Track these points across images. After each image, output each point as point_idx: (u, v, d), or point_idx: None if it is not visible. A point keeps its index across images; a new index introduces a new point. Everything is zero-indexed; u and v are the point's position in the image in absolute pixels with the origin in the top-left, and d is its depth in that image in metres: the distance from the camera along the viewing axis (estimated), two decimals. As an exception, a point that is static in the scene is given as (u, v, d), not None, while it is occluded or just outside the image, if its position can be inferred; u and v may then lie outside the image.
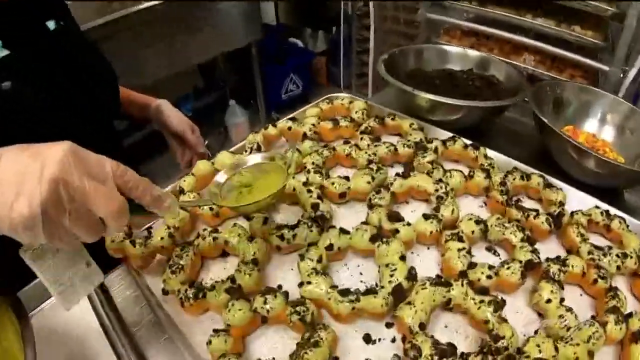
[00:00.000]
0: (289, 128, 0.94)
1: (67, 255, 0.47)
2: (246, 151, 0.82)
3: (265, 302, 0.57)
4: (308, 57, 2.97)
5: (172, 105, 0.89)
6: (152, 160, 2.14)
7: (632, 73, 1.19)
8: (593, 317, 0.64)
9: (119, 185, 0.43)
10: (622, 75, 1.23)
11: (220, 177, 0.63)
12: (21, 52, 0.61)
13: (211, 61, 2.13)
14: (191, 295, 0.59)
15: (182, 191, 0.76)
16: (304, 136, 0.93)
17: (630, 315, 0.63)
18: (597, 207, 0.81)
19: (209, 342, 0.54)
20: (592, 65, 1.30)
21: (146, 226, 0.74)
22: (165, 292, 0.62)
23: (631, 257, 0.71)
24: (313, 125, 0.95)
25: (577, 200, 0.83)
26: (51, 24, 0.68)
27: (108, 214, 0.41)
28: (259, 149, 0.85)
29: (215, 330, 0.55)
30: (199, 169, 0.80)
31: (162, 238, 0.66)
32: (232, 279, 0.61)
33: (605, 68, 1.26)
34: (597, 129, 1.09)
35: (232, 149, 0.89)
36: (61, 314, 0.58)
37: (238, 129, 2.54)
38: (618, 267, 0.70)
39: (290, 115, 1.01)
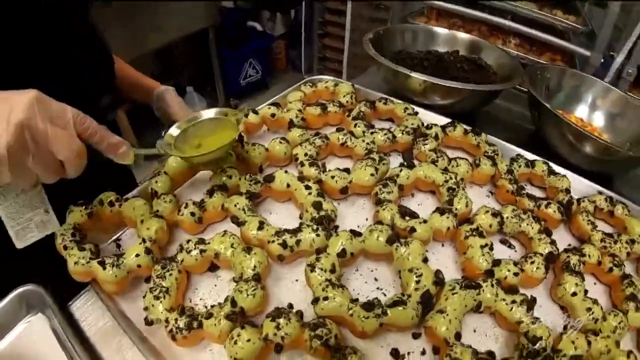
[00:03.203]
0: (272, 115, 0.84)
1: (29, 199, 0.52)
2: (230, 154, 0.71)
3: (278, 328, 0.48)
4: (267, 41, 2.83)
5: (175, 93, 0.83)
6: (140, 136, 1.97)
7: (619, 59, 1.19)
8: (615, 306, 0.63)
9: (79, 131, 0.47)
10: (602, 60, 1.24)
11: (174, 131, 0.63)
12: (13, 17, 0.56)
13: (167, 47, 1.97)
14: (183, 326, 0.49)
15: (155, 194, 0.64)
16: (291, 123, 0.83)
17: None
18: (600, 192, 0.80)
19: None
20: (574, 50, 1.31)
21: (113, 238, 0.62)
22: (149, 322, 0.52)
23: (638, 243, 0.71)
24: (299, 111, 0.86)
25: (577, 186, 0.82)
26: None
27: (67, 157, 0.46)
28: (240, 141, 0.74)
29: (221, 368, 0.45)
30: (172, 166, 0.68)
31: (137, 255, 0.54)
32: (232, 301, 0.50)
33: (587, 53, 1.26)
34: (587, 115, 1.08)
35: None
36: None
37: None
38: (628, 254, 0.70)
39: (271, 100, 0.90)
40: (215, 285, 0.59)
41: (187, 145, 0.64)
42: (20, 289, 0.56)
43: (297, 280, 0.60)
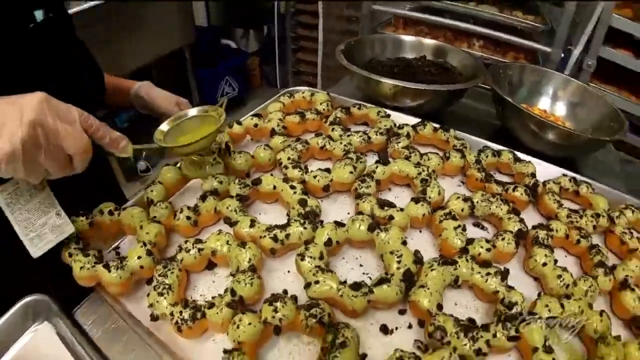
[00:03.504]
0: (255, 125, 0.90)
1: (40, 203, 0.54)
2: (213, 152, 0.76)
3: (275, 311, 0.53)
4: (242, 58, 2.90)
5: (153, 85, 0.86)
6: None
7: (576, 52, 1.30)
8: (585, 273, 0.70)
9: (84, 128, 0.52)
10: (562, 55, 1.35)
11: (164, 127, 0.70)
12: (2, 42, 0.60)
13: (146, 67, 2.00)
14: (188, 317, 0.53)
15: (151, 202, 0.68)
16: (273, 132, 0.89)
17: (614, 267, 0.68)
18: (564, 175, 0.87)
19: (222, 365, 0.48)
20: (535, 47, 1.41)
21: (112, 247, 0.66)
22: (154, 317, 0.56)
23: (603, 217, 0.79)
24: (280, 120, 0.92)
25: (543, 171, 0.90)
26: (39, 14, 0.65)
27: (76, 151, 0.50)
28: (227, 149, 0.80)
29: (227, 351, 0.49)
30: (165, 176, 0.73)
31: (139, 257, 0.58)
32: (231, 291, 0.55)
33: (548, 49, 1.36)
34: (550, 106, 1.18)
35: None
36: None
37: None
38: (594, 227, 0.76)
39: (253, 112, 0.96)
40: (214, 282, 0.64)
41: (176, 140, 0.69)
42: (25, 299, 0.59)
43: (289, 272, 0.66)
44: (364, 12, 1.63)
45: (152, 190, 0.70)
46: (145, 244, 0.60)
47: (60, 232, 0.57)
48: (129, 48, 1.73)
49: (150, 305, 0.56)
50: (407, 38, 1.30)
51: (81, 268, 0.57)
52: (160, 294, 0.56)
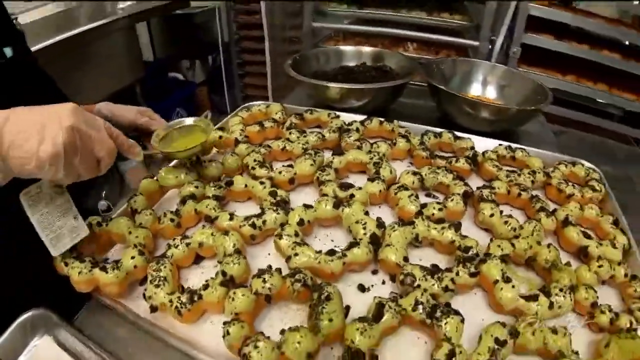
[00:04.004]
0: (220, 137, 0.98)
1: (59, 206, 0.61)
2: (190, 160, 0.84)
3: (264, 282, 0.60)
4: (190, 89, 2.96)
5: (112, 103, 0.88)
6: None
7: (499, 41, 1.49)
8: (530, 218, 0.82)
9: (107, 134, 0.59)
10: (490, 47, 1.53)
11: (160, 133, 0.79)
12: None
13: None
14: (186, 301, 0.59)
15: (135, 211, 0.74)
16: (237, 141, 0.97)
17: (555, 210, 0.83)
18: (500, 144, 1.01)
19: (226, 334, 0.55)
20: (463, 43, 1.59)
21: (103, 258, 0.71)
22: (154, 308, 0.61)
23: (539, 173, 0.93)
24: (242, 130, 1.00)
25: (482, 146, 1.04)
26: (8, 51, 0.70)
27: (105, 155, 0.58)
28: (197, 159, 0.87)
29: (227, 322, 0.56)
30: (145, 187, 0.79)
31: (133, 257, 0.64)
32: (222, 272, 0.62)
33: (476, 44, 1.55)
34: (481, 91, 1.35)
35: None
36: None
37: (133, 172, 2.38)
38: (532, 182, 0.91)
39: (217, 126, 1.04)
40: (202, 273, 0.71)
41: (169, 146, 0.80)
42: (23, 316, 0.62)
43: (269, 254, 0.74)
44: (304, 30, 1.76)
45: (134, 201, 0.76)
46: (136, 246, 0.66)
47: (77, 234, 0.64)
48: (82, 87, 1.75)
49: (149, 298, 0.62)
50: (347, 48, 1.45)
51: (79, 273, 0.62)
52: (157, 286, 0.62)
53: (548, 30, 1.69)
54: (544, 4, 1.63)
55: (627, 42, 1.69)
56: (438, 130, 1.07)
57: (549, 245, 0.72)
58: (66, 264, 0.63)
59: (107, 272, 0.62)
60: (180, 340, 0.59)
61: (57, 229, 0.61)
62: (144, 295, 0.64)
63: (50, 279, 0.66)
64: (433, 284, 0.64)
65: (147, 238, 0.70)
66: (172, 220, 0.73)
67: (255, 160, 0.90)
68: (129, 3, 1.98)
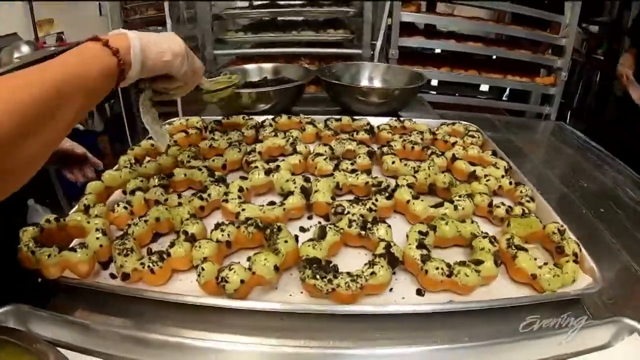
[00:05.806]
0: (152, 145, 1.06)
1: (154, 114, 0.85)
2: (126, 167, 0.92)
3: (222, 231, 0.72)
4: (91, 138, 2.87)
5: None
6: None
7: (378, 45, 1.79)
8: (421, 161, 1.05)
9: None
10: (372, 52, 1.83)
11: (207, 83, 1.05)
12: None
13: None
14: (157, 259, 0.68)
15: (88, 207, 0.80)
16: (167, 147, 1.07)
17: (443, 153, 1.06)
18: (391, 119, 1.25)
19: (201, 271, 0.65)
20: (350, 52, 1.89)
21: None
22: (125, 275, 0.68)
23: (426, 132, 1.19)
24: (171, 137, 1.10)
25: (376, 122, 1.27)
26: None
27: (198, 67, 0.84)
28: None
29: (197, 265, 0.66)
30: (93, 188, 0.86)
31: (97, 238, 0.71)
32: (184, 231, 0.72)
33: (359, 51, 1.84)
34: (368, 85, 1.61)
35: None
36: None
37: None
38: (421, 139, 1.15)
39: (149, 136, 1.12)
40: (162, 247, 0.78)
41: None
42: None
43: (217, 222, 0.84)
44: (208, 58, 1.90)
45: (86, 199, 0.82)
46: (98, 230, 0.72)
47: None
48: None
49: (120, 267, 0.69)
50: (250, 66, 1.64)
51: (49, 256, 0.66)
52: (126, 255, 0.69)
53: (419, 32, 2.09)
54: (413, 8, 2.00)
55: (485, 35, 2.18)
56: (338, 116, 1.28)
57: (443, 172, 0.95)
58: (33, 253, 0.67)
59: (75, 252, 0.67)
60: (156, 293, 0.67)
61: (157, 131, 0.86)
62: (110, 275, 0.71)
63: (13, 278, 0.68)
64: (359, 209, 0.81)
65: (105, 224, 0.76)
66: (125, 208, 0.81)
67: (188, 156, 1.01)
68: (25, 52, 1.93)
